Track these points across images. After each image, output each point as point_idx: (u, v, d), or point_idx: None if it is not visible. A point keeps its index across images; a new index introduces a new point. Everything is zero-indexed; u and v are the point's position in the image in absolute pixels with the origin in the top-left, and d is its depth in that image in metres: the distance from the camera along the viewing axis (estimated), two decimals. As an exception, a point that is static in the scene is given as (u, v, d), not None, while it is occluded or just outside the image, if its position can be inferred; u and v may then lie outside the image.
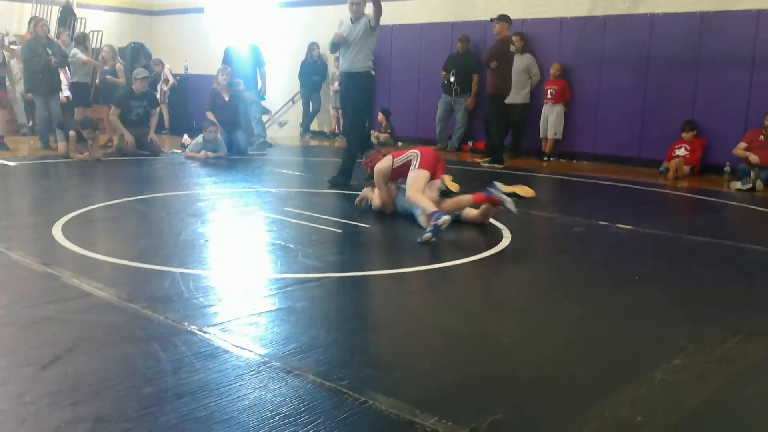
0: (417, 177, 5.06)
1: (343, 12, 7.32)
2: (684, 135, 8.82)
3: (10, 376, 2.37)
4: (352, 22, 6.99)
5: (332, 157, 10.25)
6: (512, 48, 9.37)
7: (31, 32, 9.70)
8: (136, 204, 5.70)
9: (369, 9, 6.94)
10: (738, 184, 7.72)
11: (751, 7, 8.50)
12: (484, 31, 10.84)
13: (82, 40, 10.10)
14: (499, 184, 4.93)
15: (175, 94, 13.08)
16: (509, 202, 4.81)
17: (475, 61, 10.79)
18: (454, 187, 5.14)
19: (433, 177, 5.13)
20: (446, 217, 4.62)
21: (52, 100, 9.48)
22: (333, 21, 12.41)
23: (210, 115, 9.44)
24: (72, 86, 10.21)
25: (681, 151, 8.77)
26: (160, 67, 12.91)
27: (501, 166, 9.20)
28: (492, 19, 9.30)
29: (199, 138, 9.16)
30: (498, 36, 9.15)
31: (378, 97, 12.30)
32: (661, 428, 2.18)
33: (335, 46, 7.08)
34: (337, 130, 12.58)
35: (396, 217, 5.47)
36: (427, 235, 4.56)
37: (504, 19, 9.05)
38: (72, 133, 8.41)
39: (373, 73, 7.10)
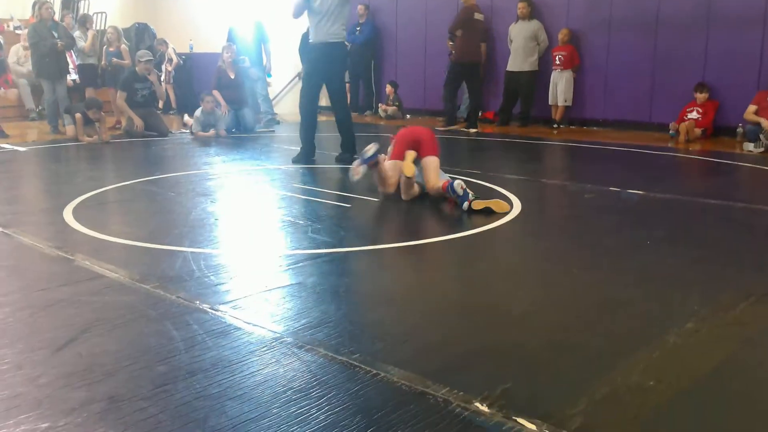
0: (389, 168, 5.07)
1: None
2: (697, 96, 8.69)
3: (26, 359, 2.40)
4: None
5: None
6: (476, 15, 9.64)
7: (36, 16, 9.69)
8: (145, 185, 5.71)
9: None
10: (750, 146, 7.63)
11: (761, -36, 8.33)
12: (490, -1, 10.72)
13: (84, 21, 10.07)
14: (471, 194, 4.70)
15: (181, 74, 13.05)
16: (464, 204, 4.70)
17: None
18: (408, 171, 4.93)
19: (417, 152, 5.08)
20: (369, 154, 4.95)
21: (59, 84, 9.49)
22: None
23: (216, 94, 9.42)
24: (79, 68, 10.21)
25: (693, 114, 8.66)
26: (164, 46, 12.88)
27: (455, 126, 9.85)
28: None
29: (198, 112, 9.15)
30: (464, 4, 9.68)
31: (385, 70, 12.24)
32: (673, 392, 2.18)
33: None
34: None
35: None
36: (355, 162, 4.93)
37: None
38: (78, 115, 8.44)
39: (347, 43, 7.05)
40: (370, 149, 4.95)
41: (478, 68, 9.90)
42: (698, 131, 8.50)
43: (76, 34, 9.87)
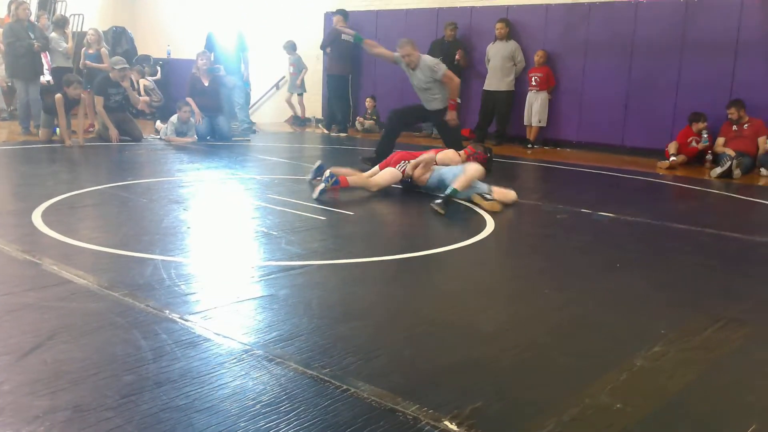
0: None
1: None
2: (696, 126, 8.51)
3: (-11, 364, 2.35)
4: (412, 69, 7.07)
5: (317, 144, 10.22)
6: (344, 37, 10.52)
7: (12, 15, 9.53)
8: (117, 190, 5.64)
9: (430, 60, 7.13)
10: (718, 170, 7.75)
11: (734, -6, 8.54)
12: (470, 18, 10.82)
13: (62, 24, 9.95)
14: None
15: (158, 80, 12.95)
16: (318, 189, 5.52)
17: (462, 48, 10.75)
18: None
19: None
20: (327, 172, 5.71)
21: (33, 85, 9.35)
22: (318, 3, 12.35)
23: (190, 101, 9.35)
24: (53, 71, 10.06)
25: (693, 144, 8.58)
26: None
27: (345, 134, 11.13)
28: (332, 13, 11.33)
29: (174, 118, 9.11)
30: (334, 26, 10.93)
31: (364, 84, 12.26)
32: (641, 415, 2.20)
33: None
34: (303, 117, 12.40)
35: (379, 204, 5.49)
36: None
37: (340, 12, 11.20)
38: (58, 96, 8.28)
39: (448, 104, 7.24)
40: (326, 173, 5.69)
41: (347, 80, 11.44)
42: (683, 157, 8.51)
43: (53, 35, 9.74)
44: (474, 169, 5.60)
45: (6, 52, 9.50)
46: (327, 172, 5.69)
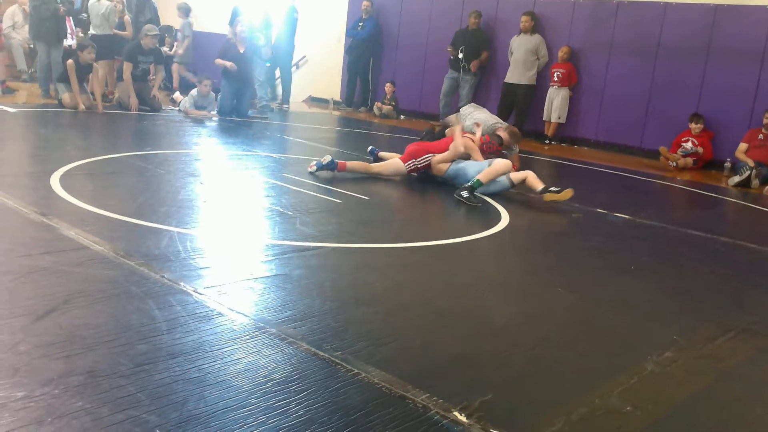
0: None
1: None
2: (692, 127, 8.69)
3: (4, 325, 2.37)
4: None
5: (334, 125, 10.20)
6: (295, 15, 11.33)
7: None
8: (134, 159, 5.66)
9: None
10: (736, 179, 7.71)
11: (764, 3, 8.43)
12: (496, 8, 10.75)
13: None
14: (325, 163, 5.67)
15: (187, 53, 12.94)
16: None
17: (486, 38, 10.69)
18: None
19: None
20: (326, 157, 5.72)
21: (55, 49, 9.35)
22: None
23: (219, 62, 9.29)
24: (93, 39, 9.99)
25: (688, 144, 8.68)
26: (183, 16, 12.49)
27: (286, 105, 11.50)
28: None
29: (194, 91, 9.10)
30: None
31: (384, 69, 12.23)
32: (649, 419, 2.21)
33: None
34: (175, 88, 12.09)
35: (395, 190, 5.49)
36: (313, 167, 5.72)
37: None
38: (70, 61, 8.26)
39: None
40: (326, 159, 5.69)
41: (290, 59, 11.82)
42: (689, 160, 8.57)
43: (105, 2, 9.73)
44: (502, 164, 5.58)
45: (31, 14, 9.50)
46: (328, 158, 5.68)
